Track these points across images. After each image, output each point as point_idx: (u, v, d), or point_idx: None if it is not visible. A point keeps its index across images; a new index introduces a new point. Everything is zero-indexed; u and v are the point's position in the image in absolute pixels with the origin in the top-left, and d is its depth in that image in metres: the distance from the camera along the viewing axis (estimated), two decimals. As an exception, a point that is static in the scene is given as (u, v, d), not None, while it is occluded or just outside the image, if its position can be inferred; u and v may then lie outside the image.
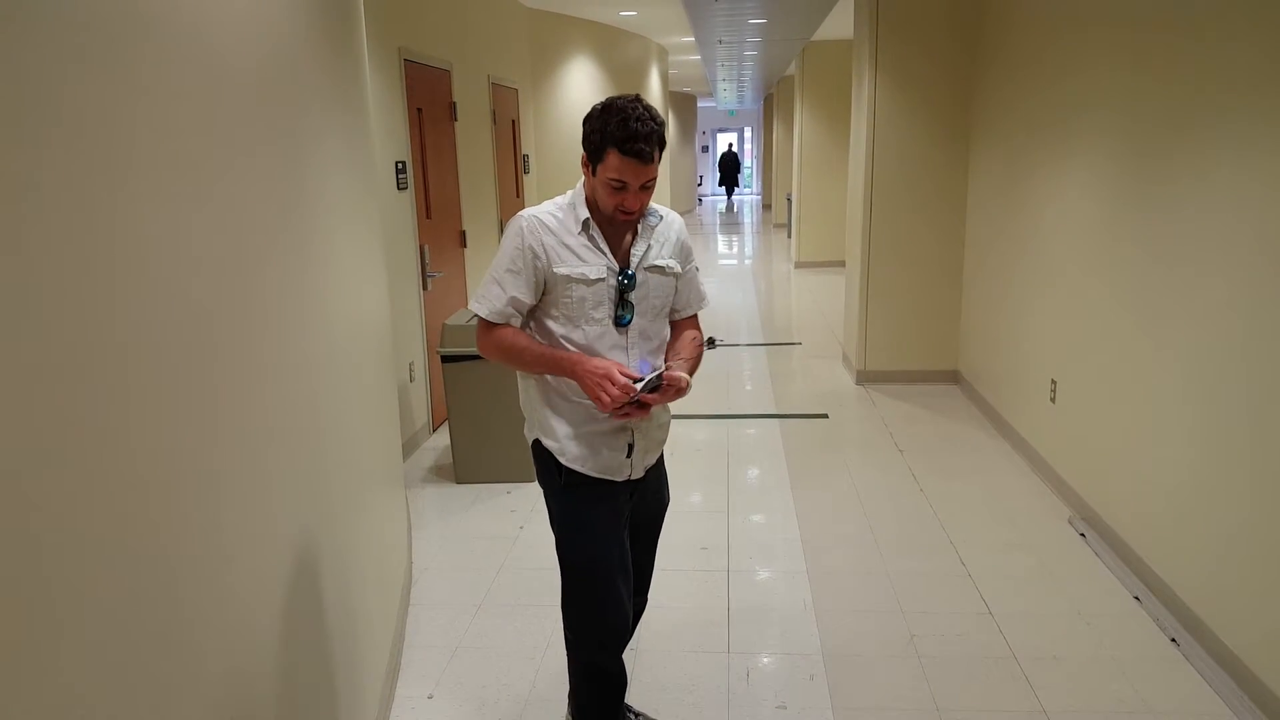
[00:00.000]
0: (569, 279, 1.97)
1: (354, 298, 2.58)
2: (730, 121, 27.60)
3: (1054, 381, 4.11)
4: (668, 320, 2.15)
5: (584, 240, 1.99)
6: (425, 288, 5.01)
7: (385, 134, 4.41)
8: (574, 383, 1.99)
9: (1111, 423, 3.52)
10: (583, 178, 2.04)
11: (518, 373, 2.14)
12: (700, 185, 25.97)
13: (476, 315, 2.04)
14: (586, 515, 2.09)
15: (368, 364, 2.81)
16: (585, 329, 2.00)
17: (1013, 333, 4.85)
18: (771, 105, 19.21)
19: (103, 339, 1.04)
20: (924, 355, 5.99)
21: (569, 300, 1.98)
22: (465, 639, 2.97)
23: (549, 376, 2.04)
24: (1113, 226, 3.56)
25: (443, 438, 4.95)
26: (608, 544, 2.09)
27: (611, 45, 9.61)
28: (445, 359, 4.12)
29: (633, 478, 2.10)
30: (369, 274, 2.97)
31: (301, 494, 1.85)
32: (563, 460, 2.05)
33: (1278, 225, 2.44)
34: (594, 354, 1.99)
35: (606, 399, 1.88)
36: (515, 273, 1.98)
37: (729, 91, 18.03)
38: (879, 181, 5.77)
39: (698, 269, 2.21)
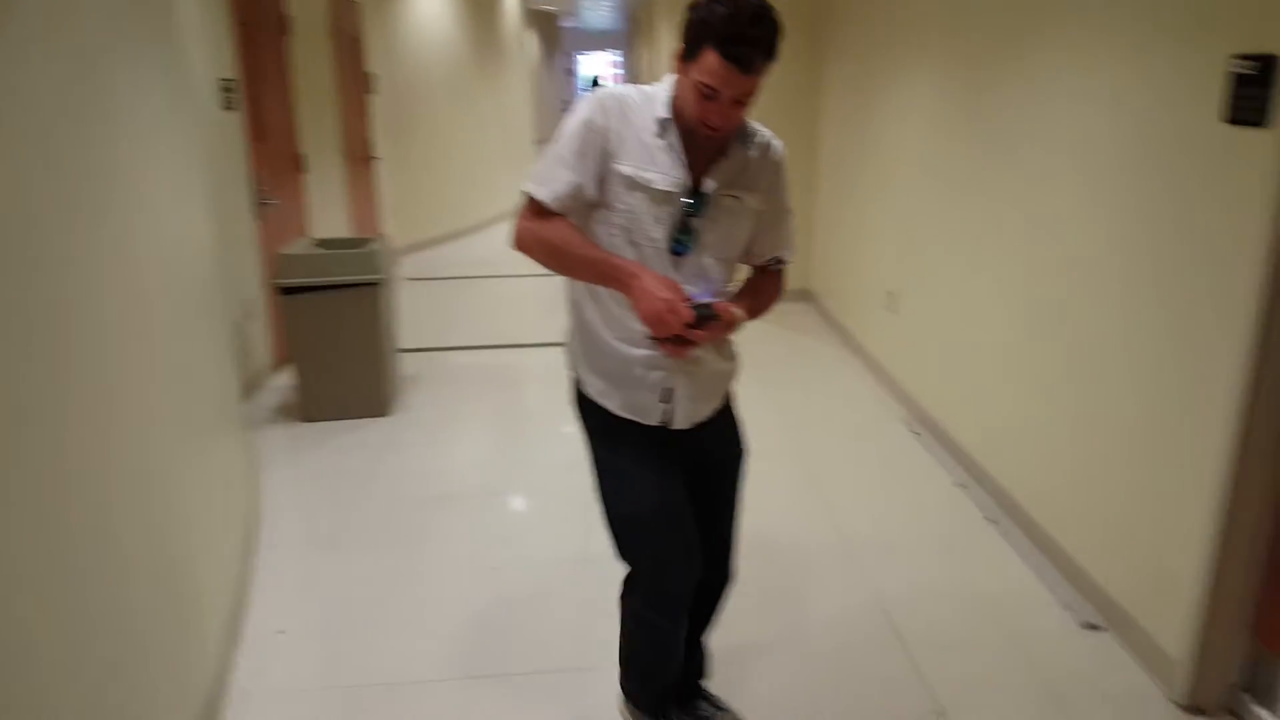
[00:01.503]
0: (631, 182, 1.63)
1: (164, 229, 2.40)
2: (597, 42, 27.03)
3: (889, 293, 4.31)
4: (734, 265, 1.79)
5: (661, 143, 1.64)
6: (260, 215, 4.74)
7: (207, 48, 4.08)
8: (621, 298, 1.68)
9: (941, 329, 3.74)
10: (676, 75, 1.65)
11: (567, 296, 1.85)
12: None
13: (527, 196, 1.69)
14: (620, 460, 1.82)
15: (187, 300, 2.64)
16: (631, 250, 1.67)
17: (856, 248, 5.04)
18: (638, 26, 18.89)
19: None
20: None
21: (624, 210, 1.65)
22: (317, 576, 2.90)
23: (592, 294, 1.76)
24: (944, 140, 3.71)
25: (288, 375, 4.76)
26: (648, 492, 1.80)
27: (458, -41, 9.18)
28: (283, 291, 3.92)
29: (674, 426, 1.78)
30: (185, 202, 2.77)
31: (101, 443, 1.72)
32: (588, 393, 1.81)
33: (1098, 136, 2.60)
34: None
35: (668, 322, 1.59)
36: (583, 155, 1.64)
37: (593, 10, 17.59)
38: (728, 101, 5.79)
39: (792, 213, 1.83)
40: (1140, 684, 2.28)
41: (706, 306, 1.60)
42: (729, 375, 1.88)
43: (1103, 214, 2.50)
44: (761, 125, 1.75)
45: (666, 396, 1.75)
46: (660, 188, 1.63)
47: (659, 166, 1.63)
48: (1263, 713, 2.08)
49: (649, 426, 1.77)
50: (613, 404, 1.77)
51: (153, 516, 2.03)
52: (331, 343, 4.01)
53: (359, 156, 6.75)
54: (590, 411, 1.83)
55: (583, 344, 1.80)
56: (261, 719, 2.24)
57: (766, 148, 1.74)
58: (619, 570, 1.90)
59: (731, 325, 1.67)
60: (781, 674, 2.34)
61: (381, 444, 3.92)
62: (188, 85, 2.93)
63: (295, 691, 2.33)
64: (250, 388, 4.53)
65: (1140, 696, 2.24)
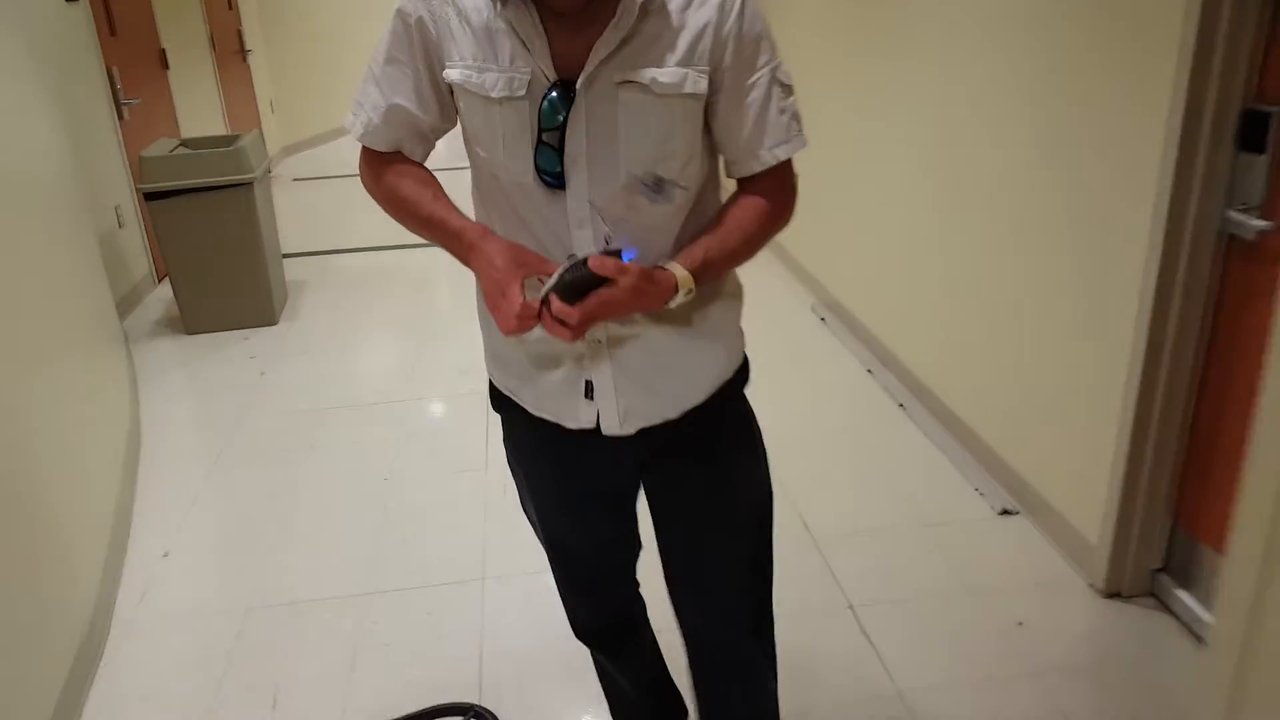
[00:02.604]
0: (464, 91, 1.13)
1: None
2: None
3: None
4: (678, 189, 1.14)
5: (499, 22, 1.09)
6: (121, 117, 4.35)
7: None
8: None
9: (846, 210, 3.68)
10: None
11: None
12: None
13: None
14: (530, 471, 1.38)
15: (42, 212, 2.43)
16: (502, 197, 1.18)
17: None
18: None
19: None
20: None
21: (472, 134, 1.17)
22: (202, 493, 2.76)
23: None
24: (843, 26, 3.58)
25: (169, 287, 4.48)
26: (565, 518, 1.39)
27: None
28: (149, 197, 3.63)
29: (609, 432, 1.22)
30: (27, 106, 2.51)
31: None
32: (492, 379, 1.34)
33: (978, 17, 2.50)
34: (525, 233, 1.17)
35: (504, 311, 1.08)
36: (395, 62, 1.16)
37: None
38: None
39: (782, 84, 1.16)
40: (1059, 570, 2.25)
41: (579, 266, 1.04)
42: (704, 346, 1.24)
43: (1013, 84, 2.42)
44: None
45: (588, 390, 1.21)
46: (496, 92, 1.09)
47: (500, 59, 1.09)
48: (1183, 595, 2.06)
49: (577, 431, 1.24)
50: (526, 401, 1.28)
51: (18, 440, 1.91)
52: (207, 249, 3.76)
53: (230, 51, 6.26)
54: (505, 406, 1.34)
55: (481, 316, 1.29)
56: (146, 648, 2.13)
57: None
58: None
59: (641, 291, 1.06)
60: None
61: (269, 354, 3.73)
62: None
63: (182, 616, 2.23)
64: (131, 301, 4.27)
65: (1059, 583, 2.21)
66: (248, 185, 3.66)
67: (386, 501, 2.66)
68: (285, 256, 4.43)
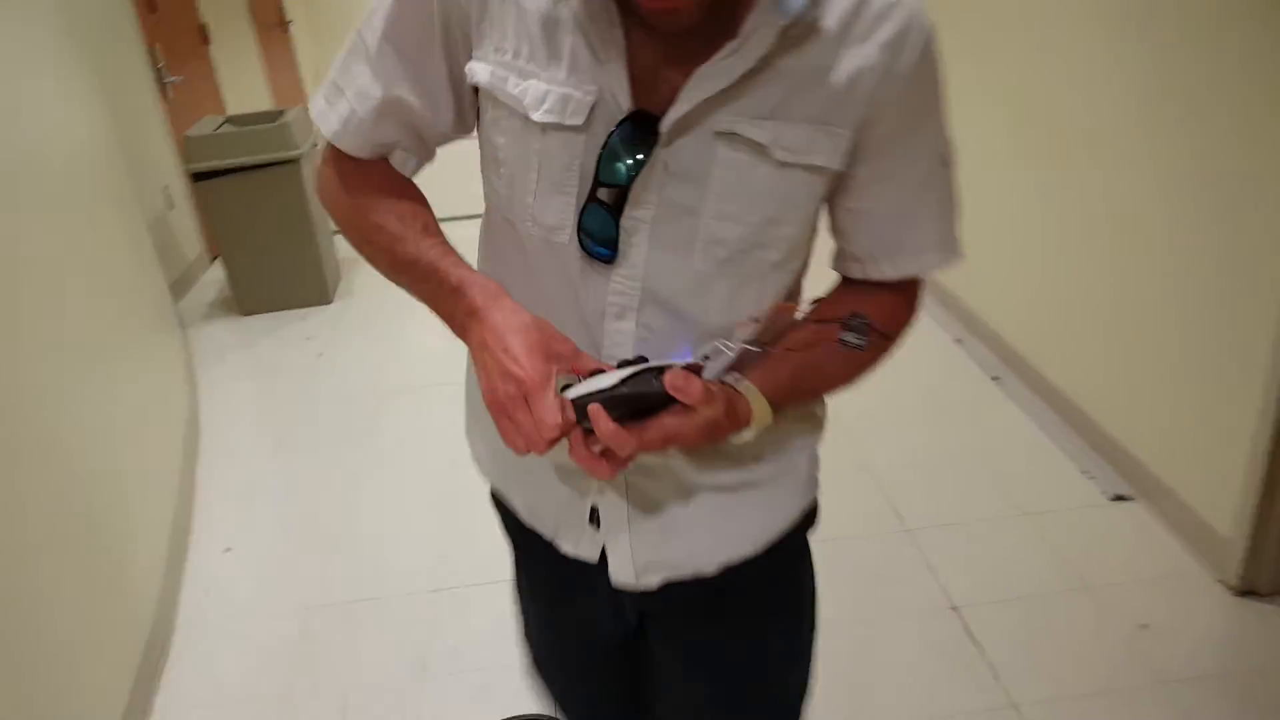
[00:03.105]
0: (493, 99, 0.79)
1: (42, 118, 2.10)
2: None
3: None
4: (770, 278, 0.82)
5: (563, 10, 0.74)
6: (165, 95, 4.27)
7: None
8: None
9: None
10: None
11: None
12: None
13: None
14: (524, 581, 1.11)
15: (87, 199, 2.38)
16: (514, 248, 0.85)
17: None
18: None
19: None
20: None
21: (493, 159, 0.82)
22: (262, 484, 2.69)
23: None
24: None
25: (222, 268, 4.43)
26: (548, 649, 1.13)
27: None
28: (196, 177, 3.55)
29: (619, 582, 0.91)
30: (69, 89, 2.44)
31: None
32: (480, 468, 1.05)
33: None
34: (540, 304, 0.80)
35: (519, 421, 0.72)
36: (409, 39, 0.80)
37: None
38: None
39: (947, 165, 0.82)
40: (1182, 564, 2.03)
41: (646, 378, 0.72)
42: (763, 482, 0.90)
43: (1131, 51, 2.19)
44: None
45: (596, 517, 0.90)
46: (542, 115, 0.74)
47: (555, 65, 0.74)
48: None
49: (569, 559, 0.93)
50: (517, 505, 0.99)
51: (76, 433, 1.87)
52: (257, 228, 3.67)
53: (271, 23, 6.15)
54: (495, 498, 1.06)
55: (469, 381, 0.99)
56: (212, 648, 2.07)
57: (877, 22, 0.72)
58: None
59: (718, 426, 0.75)
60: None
61: (325, 334, 3.65)
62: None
63: (246, 614, 2.16)
64: (185, 283, 4.22)
65: (1183, 578, 1.99)
66: (295, 162, 3.55)
67: (453, 490, 2.55)
68: (336, 233, 4.33)
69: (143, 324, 2.76)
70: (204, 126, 3.63)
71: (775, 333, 0.78)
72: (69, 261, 2.17)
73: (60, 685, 1.57)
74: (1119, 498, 2.28)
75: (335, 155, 0.88)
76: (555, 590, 1.03)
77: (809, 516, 0.97)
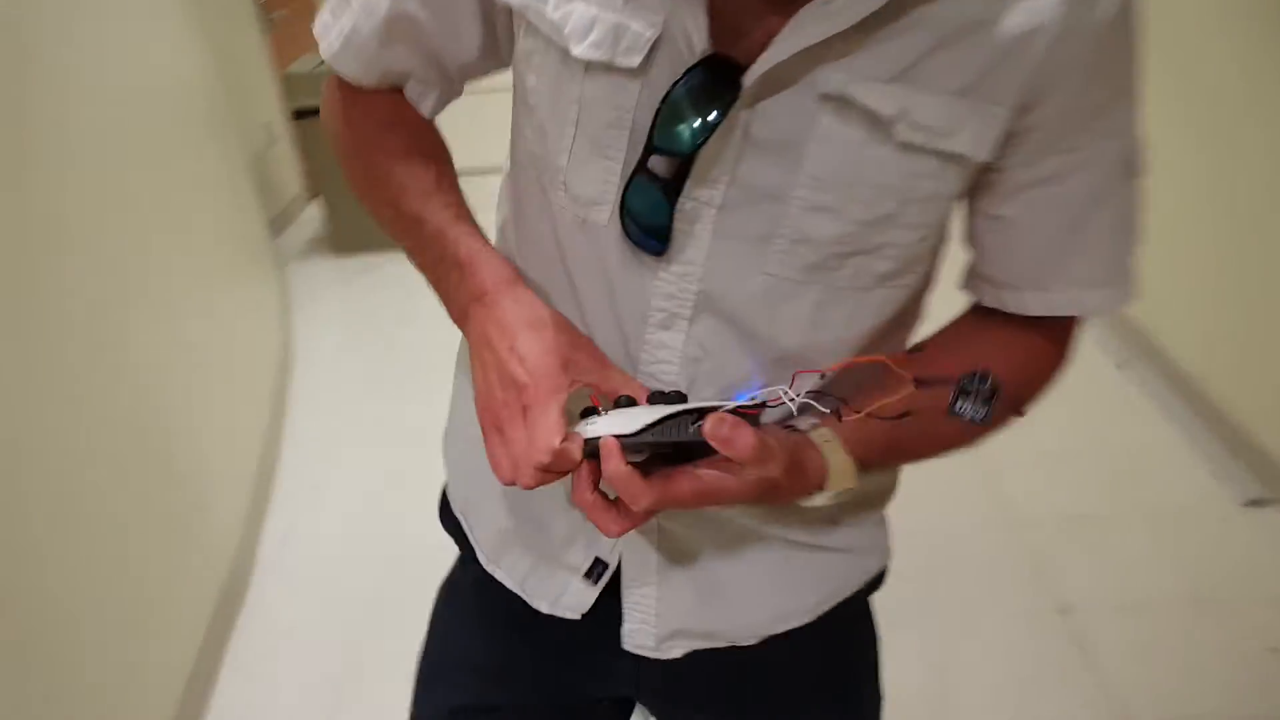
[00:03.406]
0: (527, 25, 0.61)
1: (140, 54, 2.11)
2: None
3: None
4: (874, 295, 0.62)
5: None
6: (269, 30, 4.28)
7: None
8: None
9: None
10: None
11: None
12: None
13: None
14: (442, 635, 0.99)
15: (188, 134, 2.39)
16: (559, 216, 0.64)
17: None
18: None
19: None
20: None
21: (525, 103, 0.64)
22: (351, 430, 2.70)
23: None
24: None
25: (320, 206, 4.48)
26: (455, 688, 0.94)
27: None
28: (297, 114, 3.56)
29: (636, 647, 0.75)
30: (170, 28, 2.45)
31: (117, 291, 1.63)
32: (453, 503, 0.96)
33: None
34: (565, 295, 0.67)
35: (515, 455, 0.58)
36: None
37: None
38: None
39: (1134, 170, 0.63)
40: None
41: (682, 421, 0.56)
42: (825, 546, 0.74)
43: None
44: None
45: (597, 571, 0.74)
46: (586, 50, 0.56)
47: None
48: None
49: (552, 620, 0.78)
50: (481, 540, 0.87)
51: (166, 370, 1.91)
52: (357, 168, 3.68)
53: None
54: (454, 528, 0.94)
55: (455, 392, 0.90)
56: (288, 595, 2.09)
57: None
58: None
59: (776, 488, 0.58)
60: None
61: (419, 276, 3.64)
62: None
63: (325, 561, 2.17)
64: (284, 220, 4.29)
65: None
66: (396, 99, 3.53)
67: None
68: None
69: (241, 260, 2.80)
70: (306, 64, 3.63)
71: (859, 388, 0.57)
72: (174, 198, 2.20)
73: (138, 622, 1.60)
74: (1254, 502, 2.08)
75: (338, 80, 0.74)
76: (513, 610, 0.78)
77: (877, 579, 0.80)
